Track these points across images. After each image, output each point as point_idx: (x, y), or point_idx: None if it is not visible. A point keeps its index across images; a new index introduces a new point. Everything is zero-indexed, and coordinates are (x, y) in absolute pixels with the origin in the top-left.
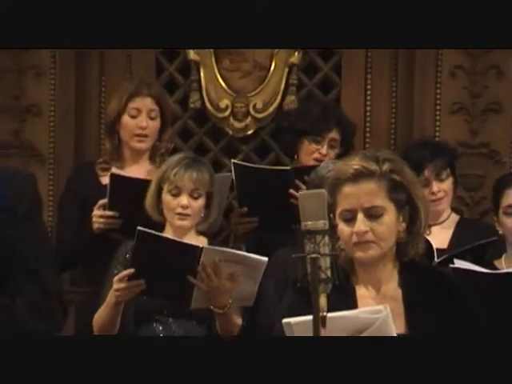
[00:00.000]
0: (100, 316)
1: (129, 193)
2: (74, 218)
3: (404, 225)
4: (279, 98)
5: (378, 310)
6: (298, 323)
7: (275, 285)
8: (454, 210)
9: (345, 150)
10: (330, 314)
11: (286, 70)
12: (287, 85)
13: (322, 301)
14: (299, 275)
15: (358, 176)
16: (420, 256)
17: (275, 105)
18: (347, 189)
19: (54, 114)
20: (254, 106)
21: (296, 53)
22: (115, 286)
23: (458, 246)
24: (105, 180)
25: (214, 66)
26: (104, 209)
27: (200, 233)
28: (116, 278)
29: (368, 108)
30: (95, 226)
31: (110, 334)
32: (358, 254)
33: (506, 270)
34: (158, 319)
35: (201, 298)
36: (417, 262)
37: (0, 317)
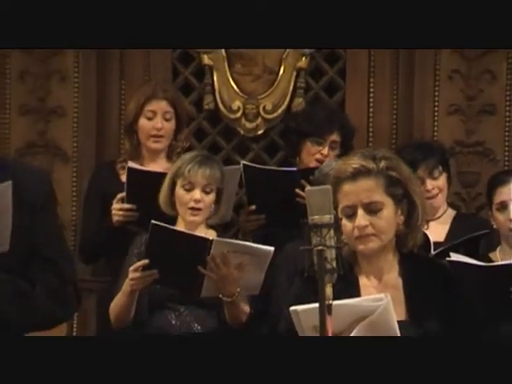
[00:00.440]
0: (116, 304)
1: (145, 185)
2: (96, 214)
3: (402, 218)
4: (288, 100)
5: (379, 298)
6: (304, 311)
7: (287, 275)
8: (450, 205)
9: (344, 151)
10: (335, 302)
11: (294, 73)
12: (295, 88)
13: (328, 290)
14: (306, 266)
15: (357, 174)
16: (418, 248)
17: (284, 106)
18: (347, 186)
19: (77, 115)
20: (264, 107)
21: (304, 57)
22: (130, 275)
23: (454, 239)
24: (124, 178)
25: (227, 70)
26: (122, 202)
27: (210, 226)
28: (131, 268)
29: (371, 110)
30: (115, 218)
31: (126, 320)
32: (360, 247)
33: (499, 263)
34: (170, 307)
35: (210, 287)
36: (416, 253)
37: (21, 301)
